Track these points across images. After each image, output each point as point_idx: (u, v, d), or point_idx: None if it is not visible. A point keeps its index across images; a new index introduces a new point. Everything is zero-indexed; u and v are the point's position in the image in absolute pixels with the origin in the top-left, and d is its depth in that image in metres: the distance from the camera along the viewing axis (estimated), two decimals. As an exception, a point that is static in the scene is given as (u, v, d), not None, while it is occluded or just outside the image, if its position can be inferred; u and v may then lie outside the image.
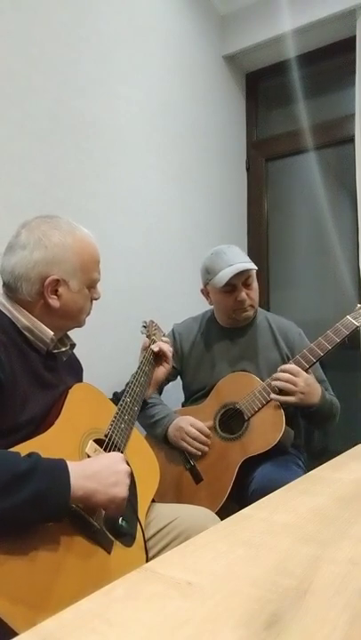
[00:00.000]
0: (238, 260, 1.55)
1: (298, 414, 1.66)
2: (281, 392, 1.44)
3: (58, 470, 0.78)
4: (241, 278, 1.54)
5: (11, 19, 1.46)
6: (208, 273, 1.58)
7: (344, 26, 2.30)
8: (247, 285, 1.57)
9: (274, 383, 1.45)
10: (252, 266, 1.55)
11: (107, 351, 1.73)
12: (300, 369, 1.44)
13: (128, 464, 0.92)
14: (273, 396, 1.44)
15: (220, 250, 1.59)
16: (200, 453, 1.48)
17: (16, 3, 1.47)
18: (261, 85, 2.79)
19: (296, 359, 1.47)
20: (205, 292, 1.65)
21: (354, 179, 2.21)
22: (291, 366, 1.45)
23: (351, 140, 2.26)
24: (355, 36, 2.24)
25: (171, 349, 1.34)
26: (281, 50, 2.49)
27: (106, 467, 0.84)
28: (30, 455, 0.78)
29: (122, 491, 0.84)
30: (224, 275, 1.51)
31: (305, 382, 1.42)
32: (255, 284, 1.60)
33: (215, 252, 1.59)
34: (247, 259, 1.59)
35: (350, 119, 2.30)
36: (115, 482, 0.84)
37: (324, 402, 1.47)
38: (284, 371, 1.45)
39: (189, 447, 1.47)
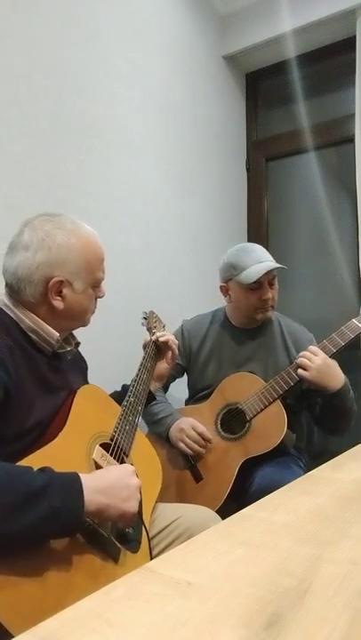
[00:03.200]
0: (267, 257, 1.56)
1: (301, 416, 1.65)
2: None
3: (72, 486, 0.77)
4: (269, 277, 1.53)
5: (11, 19, 1.46)
6: (234, 269, 1.55)
7: (344, 26, 2.30)
8: (271, 285, 1.57)
9: (296, 361, 1.46)
10: (282, 265, 1.55)
11: (106, 352, 1.73)
12: (320, 350, 1.44)
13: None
14: (299, 371, 1.43)
15: (247, 247, 1.59)
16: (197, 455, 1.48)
17: (16, 3, 1.48)
18: (261, 85, 2.79)
19: (322, 343, 1.47)
20: (225, 289, 1.63)
21: (354, 179, 2.21)
22: (311, 347, 1.46)
23: (351, 140, 2.26)
24: (355, 36, 2.24)
25: (176, 342, 1.33)
26: (281, 50, 2.49)
27: (118, 480, 0.84)
28: (44, 470, 0.77)
29: (133, 506, 0.84)
30: (255, 270, 1.50)
31: (323, 361, 1.42)
32: (277, 285, 1.60)
33: (241, 249, 1.58)
34: (272, 258, 1.58)
35: (350, 119, 2.30)
36: (126, 497, 0.83)
37: (346, 390, 1.44)
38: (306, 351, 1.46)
39: (188, 449, 1.46)
